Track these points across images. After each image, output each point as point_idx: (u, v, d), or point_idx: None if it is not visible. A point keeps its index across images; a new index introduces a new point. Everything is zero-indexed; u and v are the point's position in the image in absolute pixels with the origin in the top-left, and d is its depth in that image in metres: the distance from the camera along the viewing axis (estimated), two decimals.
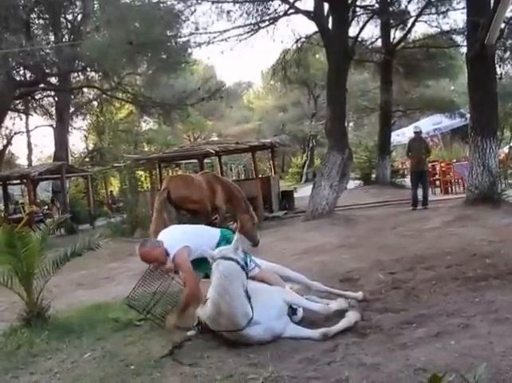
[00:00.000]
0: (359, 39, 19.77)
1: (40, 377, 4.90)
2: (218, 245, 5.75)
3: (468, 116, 15.51)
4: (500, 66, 19.56)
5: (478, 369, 2.47)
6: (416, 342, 4.52)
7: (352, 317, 5.20)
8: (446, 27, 21.83)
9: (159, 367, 4.64)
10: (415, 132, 15.39)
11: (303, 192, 22.00)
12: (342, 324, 5.06)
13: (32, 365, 5.27)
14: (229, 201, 11.35)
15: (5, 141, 31.57)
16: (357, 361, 4.27)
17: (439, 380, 2.27)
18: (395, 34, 23.48)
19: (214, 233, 6.15)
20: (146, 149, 39.04)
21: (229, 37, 16.87)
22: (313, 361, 4.43)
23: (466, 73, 14.22)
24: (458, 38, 21.87)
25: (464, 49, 16.92)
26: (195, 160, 23.37)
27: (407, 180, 22.04)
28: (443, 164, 19.34)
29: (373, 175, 24.23)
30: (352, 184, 21.73)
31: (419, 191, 14.76)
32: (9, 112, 28.05)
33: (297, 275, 6.28)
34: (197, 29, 17.58)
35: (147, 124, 42.37)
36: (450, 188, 18.57)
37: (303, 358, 4.50)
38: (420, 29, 25.43)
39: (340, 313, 5.34)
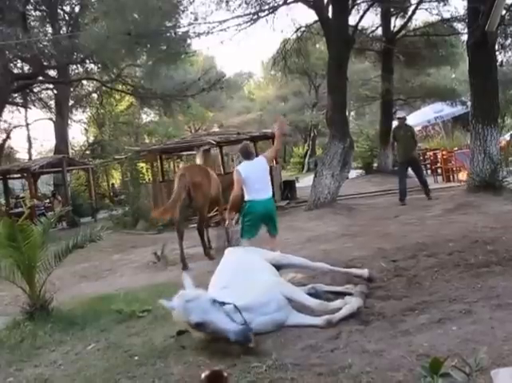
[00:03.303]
0: (359, 28, 19.69)
1: (44, 370, 4.92)
2: None
3: (469, 103, 15.37)
4: (501, 53, 19.40)
5: (480, 353, 2.47)
6: (419, 329, 4.54)
7: (354, 303, 5.21)
8: (446, 15, 21.77)
9: (162, 357, 4.66)
10: (398, 118, 14.55)
11: (305, 182, 22.01)
12: (345, 311, 5.07)
13: (36, 358, 5.31)
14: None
15: (4, 135, 31.53)
16: (360, 347, 4.30)
17: (440, 364, 2.27)
18: (396, 22, 23.47)
19: None
20: (147, 141, 38.98)
21: (228, 27, 16.80)
22: (316, 348, 4.45)
23: (467, 61, 14.15)
24: (459, 26, 21.74)
25: (465, 37, 16.83)
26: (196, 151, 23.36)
27: (409, 169, 21.94)
28: (444, 152, 19.28)
29: (375, 164, 24.20)
30: (353, 173, 21.73)
31: (410, 182, 14.35)
32: (8, 106, 27.93)
33: (300, 260, 6.33)
34: (196, 19, 17.56)
35: (148, 116, 42.44)
36: (451, 176, 18.53)
37: (306, 346, 4.52)
38: (421, 17, 25.34)
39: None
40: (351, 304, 5.19)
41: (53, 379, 4.67)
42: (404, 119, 14.43)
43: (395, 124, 18.24)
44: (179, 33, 19.47)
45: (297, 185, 20.53)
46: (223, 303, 4.66)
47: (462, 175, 16.34)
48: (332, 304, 5.12)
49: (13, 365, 5.20)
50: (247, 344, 4.42)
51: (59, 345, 5.55)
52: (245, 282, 5.29)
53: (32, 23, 24.62)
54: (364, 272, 6.21)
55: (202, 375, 1.34)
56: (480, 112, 12.82)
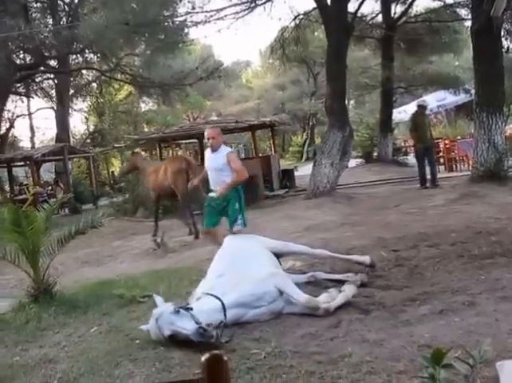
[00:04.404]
0: (358, 14, 19.40)
1: (48, 350, 4.99)
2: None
3: (473, 91, 15.19)
4: (507, 39, 19.23)
5: (484, 345, 2.47)
6: (420, 319, 4.54)
7: (348, 291, 5.26)
8: (449, 0, 21.55)
9: (163, 342, 4.69)
10: (420, 106, 14.79)
11: (304, 171, 21.99)
12: (341, 299, 5.11)
13: (40, 339, 5.39)
14: None
15: (7, 124, 31.53)
16: (360, 337, 4.31)
17: (442, 354, 2.27)
18: (396, 9, 22.88)
19: None
20: (146, 130, 38.97)
21: (226, 16, 16.75)
22: (315, 336, 4.47)
23: (470, 48, 13.97)
24: (463, 11, 21.42)
25: (469, 23, 16.55)
26: (195, 140, 23.33)
27: (410, 158, 21.93)
28: (447, 141, 19.18)
29: (375, 153, 24.13)
30: (353, 162, 21.67)
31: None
32: (11, 96, 28.00)
33: (300, 248, 6.38)
34: (193, 8, 17.54)
35: (147, 105, 42.35)
36: (454, 166, 18.46)
37: (305, 333, 4.55)
38: (422, 3, 24.86)
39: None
40: (345, 292, 5.23)
41: (57, 359, 4.72)
42: (426, 107, 14.81)
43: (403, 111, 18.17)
44: (177, 23, 19.46)
45: (296, 174, 20.52)
46: (186, 308, 4.63)
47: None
48: (320, 300, 5.10)
49: (20, 345, 5.28)
50: (210, 341, 4.26)
51: (62, 328, 5.62)
52: (241, 270, 5.31)
53: (33, 14, 24.62)
54: (366, 258, 6.24)
55: (202, 358, 1.36)
56: (484, 99, 12.65)
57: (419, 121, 14.18)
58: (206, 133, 7.53)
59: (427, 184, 13.86)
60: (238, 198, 7.17)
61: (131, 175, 14.95)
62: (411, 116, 15.02)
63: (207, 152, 7.58)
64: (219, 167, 7.21)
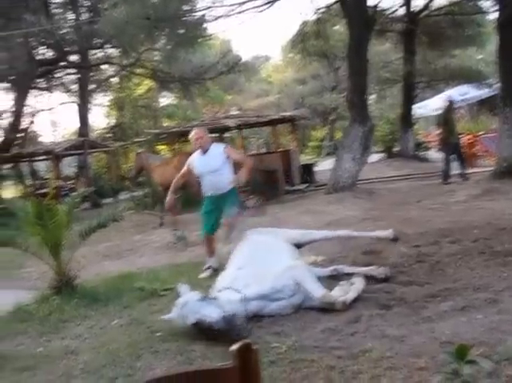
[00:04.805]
0: (380, 8, 19.33)
1: (70, 342, 5.10)
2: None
3: (496, 86, 14.96)
4: None
5: (508, 342, 2.44)
6: (441, 316, 4.51)
7: (359, 284, 5.30)
8: None
9: (184, 334, 4.72)
10: (450, 101, 14.88)
11: (323, 166, 21.91)
12: (353, 293, 5.13)
13: (63, 330, 5.51)
14: None
15: (29, 119, 31.84)
16: (381, 332, 4.30)
17: (466, 350, 2.25)
18: (418, 2, 22.89)
19: None
20: (166, 124, 39.09)
21: (246, 10, 16.72)
22: (336, 331, 4.47)
23: (494, 41, 13.78)
24: (486, 4, 21.10)
25: (492, 16, 16.36)
26: (216, 134, 23.37)
27: (431, 153, 21.80)
28: (469, 137, 18.95)
29: (396, 149, 23.97)
30: (374, 157, 21.56)
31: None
32: (33, 91, 28.25)
33: (321, 234, 6.41)
34: (213, 2, 17.49)
35: (167, 99, 42.44)
36: (476, 161, 18.24)
37: (326, 328, 4.55)
38: None
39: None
40: (356, 285, 5.26)
41: (78, 351, 4.82)
42: (453, 102, 14.94)
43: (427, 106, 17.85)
44: (197, 17, 19.46)
45: (316, 169, 20.46)
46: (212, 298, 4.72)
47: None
48: (334, 294, 5.10)
49: (43, 336, 5.41)
50: (234, 331, 4.32)
51: (84, 320, 5.74)
52: (261, 264, 5.35)
53: (54, 10, 24.78)
54: (389, 233, 6.22)
55: (233, 347, 1.37)
56: (509, 94, 12.48)
57: (448, 117, 14.28)
58: (192, 135, 7.07)
59: (450, 180, 13.80)
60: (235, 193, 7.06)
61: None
62: (442, 111, 15.00)
63: (196, 157, 7.07)
64: (216, 167, 6.81)
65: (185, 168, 7.25)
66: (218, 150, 6.94)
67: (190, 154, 12.79)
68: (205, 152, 6.91)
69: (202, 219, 7.20)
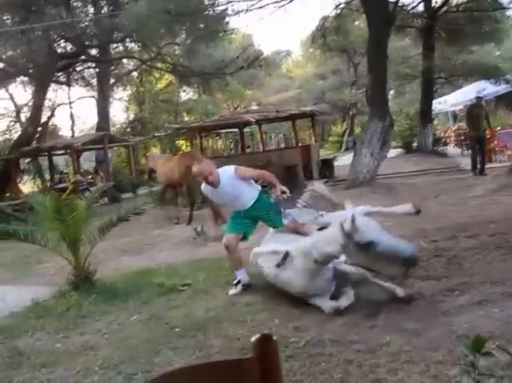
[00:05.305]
0: (400, 4, 19.20)
1: (89, 337, 5.11)
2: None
3: None
4: None
5: None
6: (458, 309, 4.52)
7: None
8: None
9: (202, 330, 4.76)
10: (477, 98, 15.15)
11: (343, 161, 21.81)
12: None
13: (81, 326, 5.51)
14: None
15: (48, 113, 32.05)
16: (399, 326, 4.31)
17: (483, 342, 2.25)
18: None
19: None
20: (186, 119, 39.14)
21: (267, 4, 16.70)
22: (354, 325, 4.49)
23: None
24: (505, 0, 21.03)
25: (510, 12, 16.29)
26: (235, 129, 23.41)
27: (450, 149, 21.70)
28: (487, 132, 18.83)
29: (415, 144, 23.84)
30: (393, 153, 21.44)
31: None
32: (52, 84, 28.41)
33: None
34: None
35: (187, 94, 42.49)
36: (494, 156, 18.13)
37: (345, 322, 4.57)
38: None
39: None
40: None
41: (97, 347, 4.84)
42: (482, 99, 15.37)
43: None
44: (218, 11, 19.48)
45: (336, 164, 20.40)
46: None
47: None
48: None
49: (61, 332, 5.41)
50: (415, 263, 4.67)
51: (103, 315, 5.74)
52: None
53: (74, 3, 24.87)
54: (409, 207, 6.18)
55: (253, 338, 1.40)
56: None
57: (474, 112, 14.57)
58: (199, 172, 6.05)
59: (476, 172, 14.11)
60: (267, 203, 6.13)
61: None
62: (468, 107, 15.43)
63: (209, 189, 6.12)
64: (234, 195, 6.03)
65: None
66: (229, 177, 5.99)
67: (192, 155, 13.33)
68: (217, 186, 6.03)
69: (229, 222, 6.32)
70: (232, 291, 5.89)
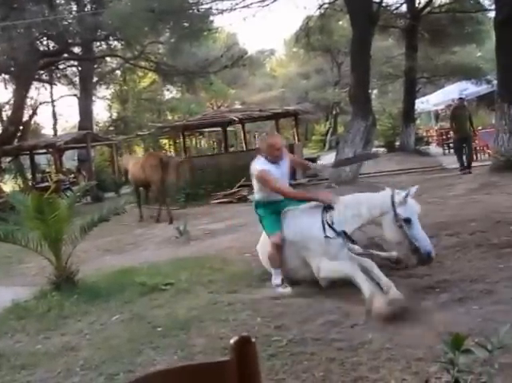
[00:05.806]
0: (383, 4, 19.38)
1: (71, 338, 5.06)
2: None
3: (495, 82, 15.14)
4: None
5: (502, 331, 2.48)
6: (439, 307, 4.58)
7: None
8: None
9: (185, 329, 4.75)
10: (460, 99, 15.33)
11: (326, 160, 21.85)
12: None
13: (63, 327, 5.45)
14: None
15: (30, 111, 31.79)
16: (380, 324, 4.34)
17: (462, 340, 2.28)
18: None
19: None
20: (169, 118, 39.03)
21: (251, 4, 16.72)
22: (336, 323, 4.50)
23: (493, 39, 13.90)
24: (486, 2, 21.32)
25: (492, 14, 16.51)
26: (219, 128, 23.38)
27: (432, 148, 21.86)
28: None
29: (397, 143, 24.02)
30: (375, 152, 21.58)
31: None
32: (34, 83, 28.17)
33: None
34: None
35: (171, 93, 42.40)
36: (475, 156, 18.31)
37: (326, 321, 4.57)
38: None
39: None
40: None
41: (79, 347, 4.79)
42: (464, 99, 15.44)
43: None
44: (202, 10, 19.44)
45: (319, 163, 20.46)
46: None
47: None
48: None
49: (41, 333, 5.34)
50: (428, 262, 5.09)
51: (84, 316, 5.68)
52: None
53: (57, 1, 24.66)
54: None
55: (231, 341, 1.39)
56: (506, 91, 12.61)
57: (457, 113, 14.64)
58: (273, 144, 5.86)
59: (465, 170, 14.27)
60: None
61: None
62: (451, 108, 15.60)
63: (269, 166, 5.83)
64: (287, 174, 6.06)
65: (269, 177, 5.77)
66: (285, 154, 6.02)
67: (158, 155, 13.92)
68: (279, 161, 5.88)
69: (268, 220, 5.89)
70: (281, 290, 5.59)
